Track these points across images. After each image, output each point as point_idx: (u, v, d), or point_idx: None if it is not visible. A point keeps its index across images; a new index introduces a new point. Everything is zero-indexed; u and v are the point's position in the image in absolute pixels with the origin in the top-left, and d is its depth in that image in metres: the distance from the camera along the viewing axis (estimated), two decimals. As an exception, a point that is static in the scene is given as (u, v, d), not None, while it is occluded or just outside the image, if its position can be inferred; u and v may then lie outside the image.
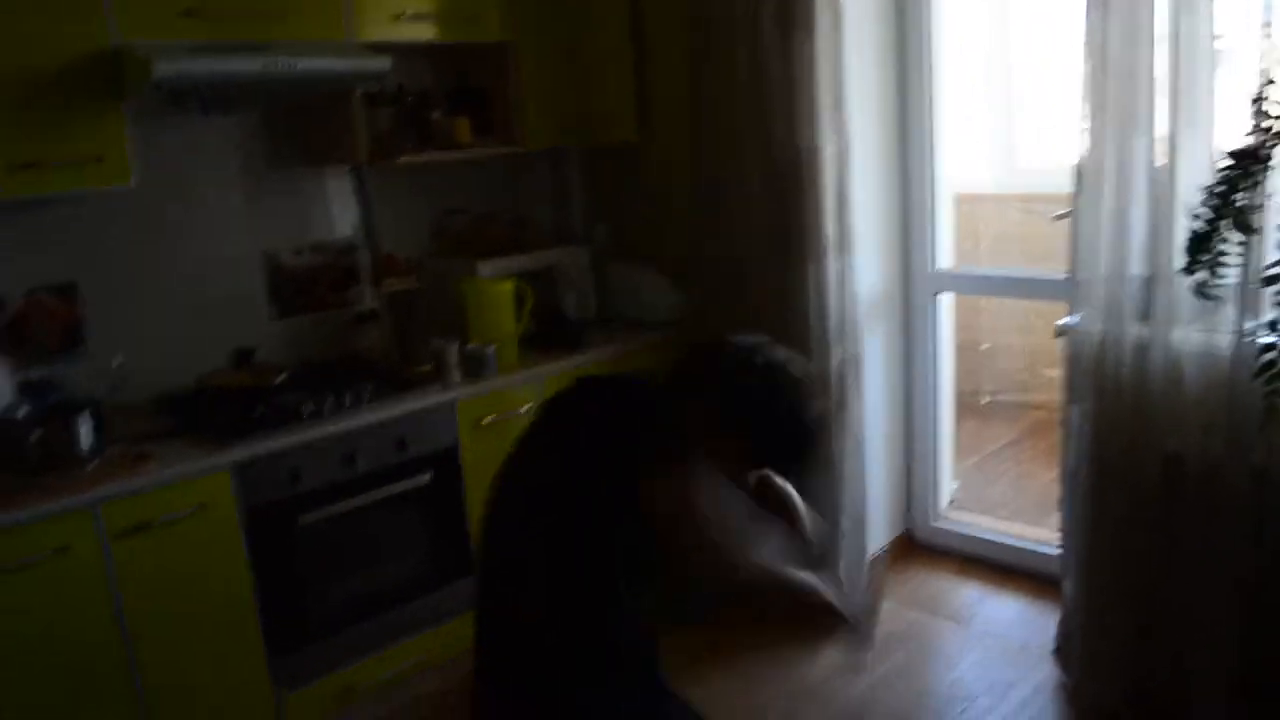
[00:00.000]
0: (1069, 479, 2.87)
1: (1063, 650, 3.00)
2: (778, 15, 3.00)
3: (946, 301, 3.60)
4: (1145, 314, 2.59)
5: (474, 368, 3.07)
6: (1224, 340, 2.45)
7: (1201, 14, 2.32)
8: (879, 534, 3.56)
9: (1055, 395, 4.82)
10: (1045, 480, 4.46)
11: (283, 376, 2.84)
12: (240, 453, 2.58)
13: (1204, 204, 1.90)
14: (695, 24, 3.31)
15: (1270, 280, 1.79)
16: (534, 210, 3.80)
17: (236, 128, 3.07)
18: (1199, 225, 1.90)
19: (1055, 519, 3.81)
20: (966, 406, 4.58)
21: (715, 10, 3.20)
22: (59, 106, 2.42)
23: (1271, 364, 1.85)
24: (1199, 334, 2.52)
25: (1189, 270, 1.94)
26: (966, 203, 4.27)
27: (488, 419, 3.04)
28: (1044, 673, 3.01)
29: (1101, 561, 2.74)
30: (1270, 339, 1.90)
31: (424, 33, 3.05)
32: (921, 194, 3.46)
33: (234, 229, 3.11)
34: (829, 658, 3.15)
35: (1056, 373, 4.92)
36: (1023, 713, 2.84)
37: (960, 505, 3.87)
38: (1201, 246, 1.89)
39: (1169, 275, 2.50)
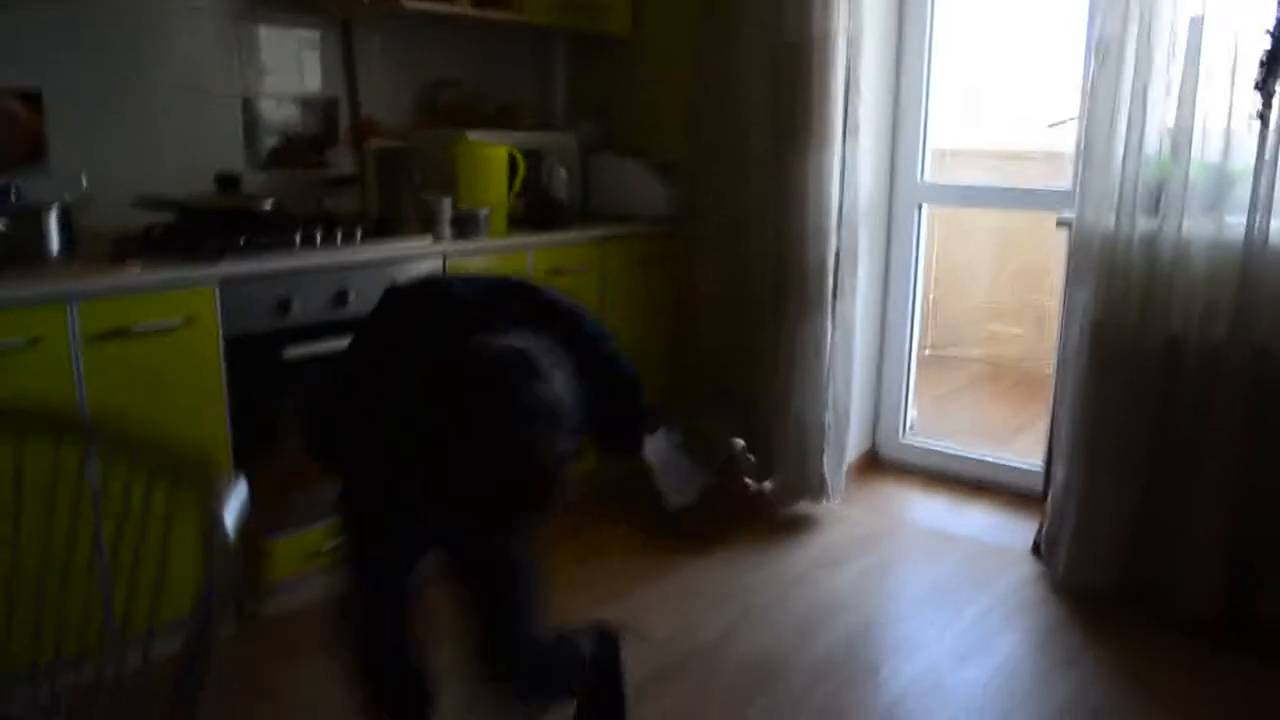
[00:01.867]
0: (1061, 366, 2.90)
1: (1044, 547, 3.02)
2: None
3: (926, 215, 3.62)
4: (1153, 207, 2.65)
5: (465, 228, 2.94)
6: (1235, 230, 2.53)
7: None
8: (850, 447, 3.53)
9: (1001, 349, 4.97)
10: (999, 415, 4.54)
11: (271, 202, 2.64)
12: (228, 268, 2.38)
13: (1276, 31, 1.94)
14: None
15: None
16: (520, 97, 3.68)
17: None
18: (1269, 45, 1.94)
19: (1016, 445, 3.90)
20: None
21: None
22: None
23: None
24: (1207, 224, 2.59)
25: (1260, 85, 1.97)
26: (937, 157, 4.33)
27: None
28: (1025, 568, 3.02)
29: (1097, 443, 2.76)
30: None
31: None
32: (916, 98, 3.48)
33: (214, 64, 2.90)
34: (810, 552, 3.12)
35: (1002, 328, 5.07)
36: (1008, 601, 2.83)
37: (919, 432, 3.89)
38: (1273, 65, 1.93)
39: (1187, 160, 2.56)
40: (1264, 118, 2.05)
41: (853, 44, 3.05)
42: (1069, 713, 2.31)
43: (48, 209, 2.29)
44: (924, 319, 4.96)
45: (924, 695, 2.38)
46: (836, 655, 2.54)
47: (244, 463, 2.47)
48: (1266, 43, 1.94)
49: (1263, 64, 1.96)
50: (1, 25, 2.49)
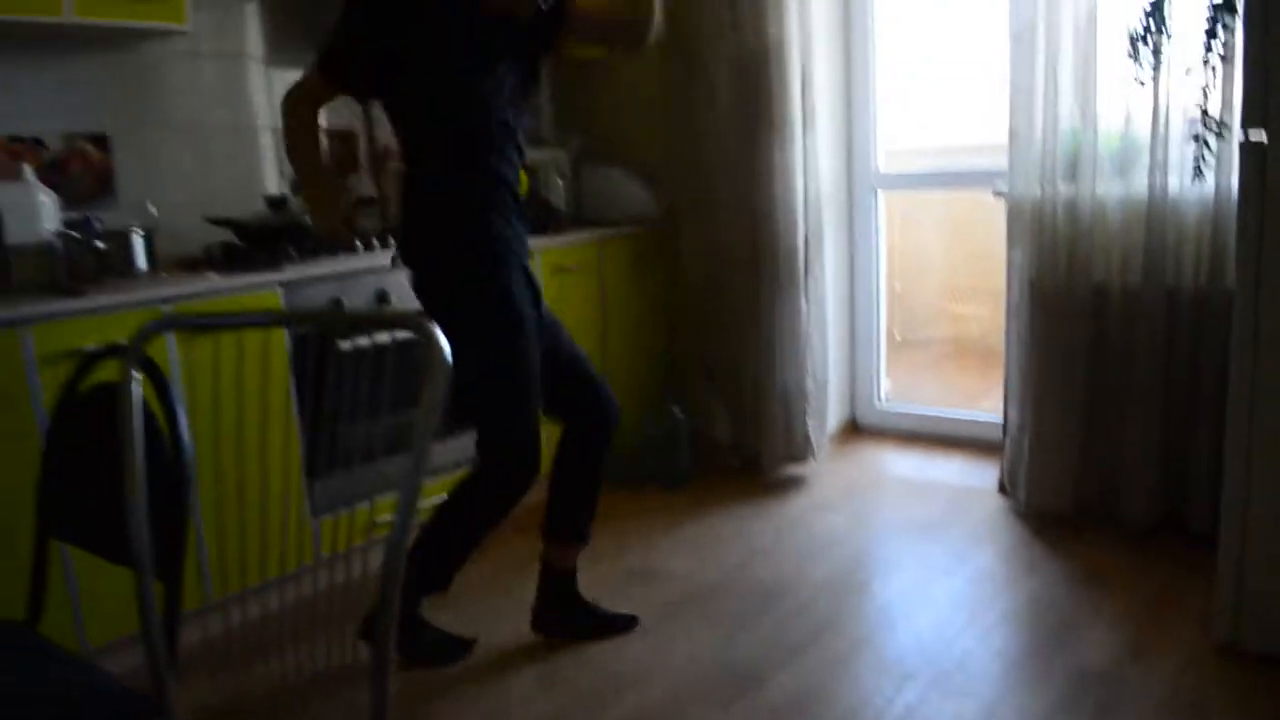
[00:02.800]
0: (1009, 317, 3.32)
1: (1006, 483, 3.43)
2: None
3: (883, 201, 4.06)
4: (1071, 175, 3.09)
5: (480, 234, 3.34)
6: (1140, 189, 2.97)
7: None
8: (830, 416, 3.94)
9: (964, 329, 5.39)
10: (965, 385, 4.96)
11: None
12: (288, 274, 2.77)
13: (1144, 14, 2.38)
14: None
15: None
16: (511, 122, 4.11)
17: (261, 9, 3.29)
18: (1139, 26, 2.39)
19: (981, 406, 4.32)
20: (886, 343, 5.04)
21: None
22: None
23: (1199, 136, 2.33)
24: (1117, 185, 3.04)
25: (1133, 55, 2.41)
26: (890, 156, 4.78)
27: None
28: (992, 503, 3.43)
29: (1041, 385, 3.18)
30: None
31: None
32: (865, 96, 3.93)
33: (251, 102, 3.32)
34: (802, 502, 3.52)
35: (965, 309, 5.50)
36: (978, 529, 3.24)
37: (893, 399, 4.31)
38: (1140, 41, 2.37)
39: (1094, 131, 3.01)
40: (1141, 82, 2.48)
41: (804, 47, 3.49)
42: (1032, 604, 2.71)
43: (134, 231, 2.68)
44: (891, 306, 5.42)
45: (909, 600, 2.78)
46: (833, 576, 2.93)
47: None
48: (1140, 17, 2.38)
49: (1130, 40, 2.40)
50: (72, 79, 2.90)
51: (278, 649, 2.15)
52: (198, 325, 2.16)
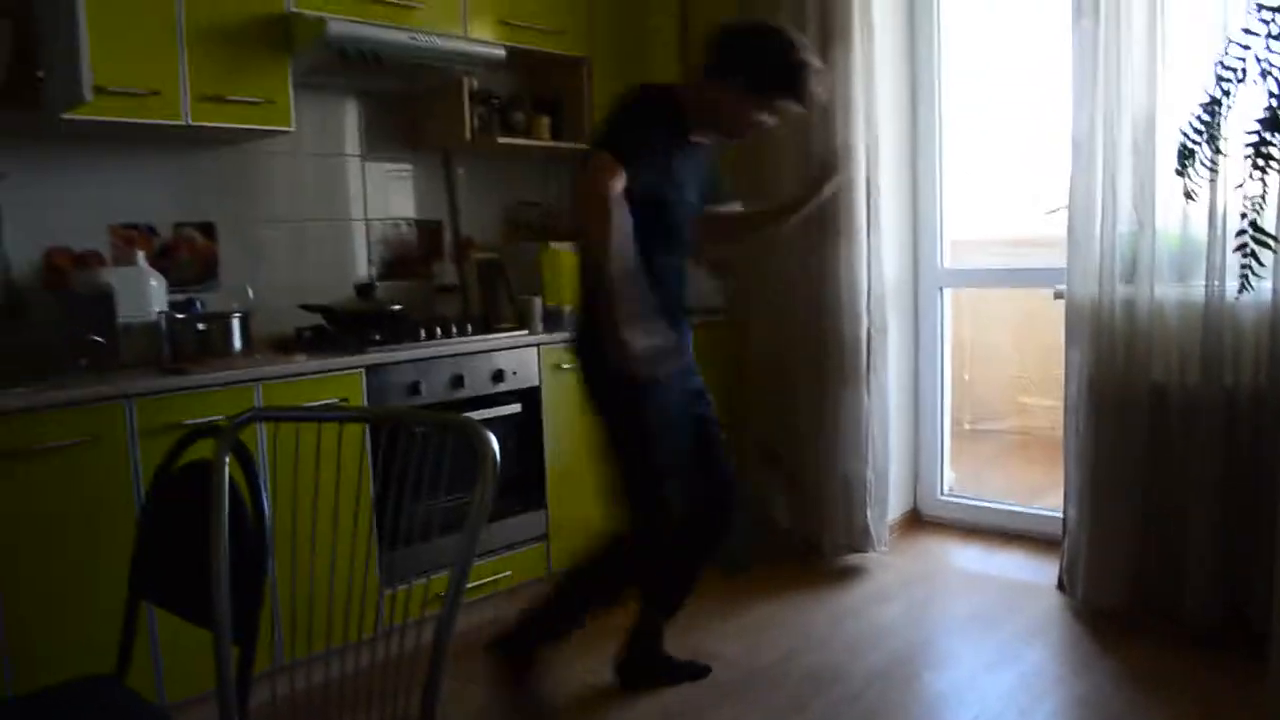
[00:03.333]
0: (1069, 414, 3.36)
1: (1066, 582, 3.42)
2: (818, 32, 3.60)
3: (949, 297, 4.14)
4: (1129, 276, 3.15)
5: (554, 322, 3.51)
6: (1197, 291, 3.02)
7: (1171, 13, 2.97)
8: (892, 506, 3.99)
9: (1031, 420, 5.39)
10: (1030, 476, 4.94)
11: (399, 306, 3.24)
12: (371, 358, 2.96)
13: (1190, 129, 2.45)
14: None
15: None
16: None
17: (358, 111, 3.57)
18: (1186, 141, 2.45)
19: (1045, 500, 4.31)
20: (953, 432, 5.07)
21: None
22: (240, 55, 2.90)
23: (1244, 245, 2.38)
24: (1175, 288, 3.09)
25: (1180, 171, 2.48)
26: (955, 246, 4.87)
27: (564, 364, 3.46)
28: (1050, 600, 3.43)
29: (1100, 482, 3.20)
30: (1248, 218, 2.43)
31: (522, 39, 3.60)
32: (931, 196, 4.04)
33: (346, 195, 3.58)
34: (859, 592, 3.55)
35: (1032, 400, 5.50)
36: (1033, 624, 3.24)
37: (957, 493, 4.32)
38: (1187, 157, 2.44)
39: (1152, 236, 3.07)
40: (1189, 195, 2.55)
41: (871, 152, 3.63)
42: (1082, 704, 2.71)
43: (232, 315, 2.91)
44: (960, 396, 5.45)
45: (959, 694, 2.80)
46: (885, 667, 2.96)
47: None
48: (1180, 137, 2.45)
49: (1180, 154, 2.47)
50: (184, 173, 3.17)
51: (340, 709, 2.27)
52: (280, 418, 2.33)
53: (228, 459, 1.49)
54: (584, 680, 2.92)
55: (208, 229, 3.23)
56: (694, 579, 2.83)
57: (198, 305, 3.04)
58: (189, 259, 3.19)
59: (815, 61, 2.50)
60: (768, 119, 2.55)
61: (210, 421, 2.51)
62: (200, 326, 2.84)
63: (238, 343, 2.90)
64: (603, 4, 3.89)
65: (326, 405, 2.80)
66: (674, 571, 2.79)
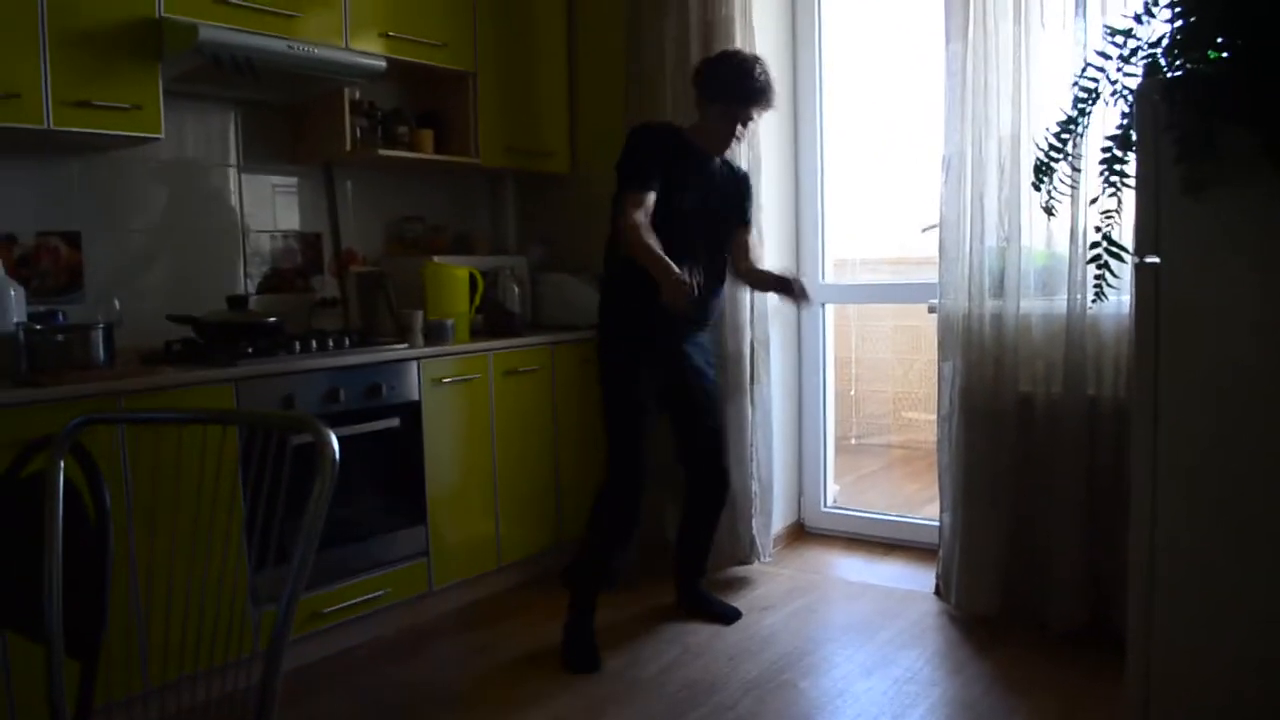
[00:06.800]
0: (942, 424, 3.45)
1: (942, 589, 3.51)
2: (701, 52, 3.66)
3: (833, 314, 4.23)
4: (998, 291, 3.26)
5: (435, 336, 3.47)
6: (1061, 304, 3.14)
7: (1035, 38, 3.10)
8: (777, 518, 4.04)
9: (915, 435, 5.54)
10: (911, 489, 5.07)
11: (274, 319, 3.17)
12: (242, 370, 2.89)
13: (1047, 146, 2.57)
14: (628, 75, 3.95)
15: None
16: (475, 227, 4.31)
17: (237, 120, 3.49)
18: (1041, 156, 2.57)
19: (925, 511, 4.41)
20: (838, 446, 5.17)
21: (646, 63, 3.86)
22: (108, 59, 2.81)
23: (1099, 256, 2.49)
24: (1040, 302, 3.21)
25: (1036, 186, 2.59)
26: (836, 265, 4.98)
27: (445, 379, 3.43)
28: (927, 606, 3.51)
29: (972, 490, 3.30)
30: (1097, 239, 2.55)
31: (405, 51, 3.57)
32: (814, 213, 4.12)
33: (221, 207, 3.49)
34: (742, 601, 3.58)
35: (916, 415, 5.65)
36: (910, 630, 3.31)
37: (841, 505, 4.40)
38: (1044, 172, 2.55)
39: (1019, 252, 3.19)
40: (1049, 211, 2.66)
41: (753, 169, 3.69)
42: (953, 705, 2.78)
43: (95, 327, 2.80)
44: (846, 411, 5.57)
45: (834, 700, 2.84)
46: (762, 676, 2.99)
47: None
48: (1037, 152, 2.57)
49: (1036, 169, 2.58)
50: (47, 179, 3.06)
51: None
52: (114, 419, 2.26)
53: (62, 464, 1.44)
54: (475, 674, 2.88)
55: (73, 238, 3.12)
56: (710, 530, 3.48)
57: (60, 316, 2.93)
58: (51, 268, 3.07)
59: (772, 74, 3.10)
60: (741, 130, 3.12)
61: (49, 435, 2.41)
62: (59, 338, 2.73)
63: (101, 355, 2.79)
64: (487, 19, 3.88)
65: (167, 409, 2.69)
66: (691, 541, 3.49)
